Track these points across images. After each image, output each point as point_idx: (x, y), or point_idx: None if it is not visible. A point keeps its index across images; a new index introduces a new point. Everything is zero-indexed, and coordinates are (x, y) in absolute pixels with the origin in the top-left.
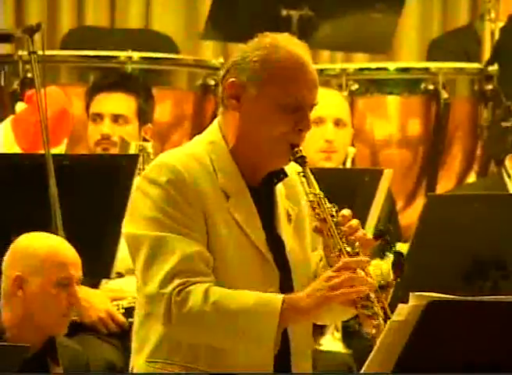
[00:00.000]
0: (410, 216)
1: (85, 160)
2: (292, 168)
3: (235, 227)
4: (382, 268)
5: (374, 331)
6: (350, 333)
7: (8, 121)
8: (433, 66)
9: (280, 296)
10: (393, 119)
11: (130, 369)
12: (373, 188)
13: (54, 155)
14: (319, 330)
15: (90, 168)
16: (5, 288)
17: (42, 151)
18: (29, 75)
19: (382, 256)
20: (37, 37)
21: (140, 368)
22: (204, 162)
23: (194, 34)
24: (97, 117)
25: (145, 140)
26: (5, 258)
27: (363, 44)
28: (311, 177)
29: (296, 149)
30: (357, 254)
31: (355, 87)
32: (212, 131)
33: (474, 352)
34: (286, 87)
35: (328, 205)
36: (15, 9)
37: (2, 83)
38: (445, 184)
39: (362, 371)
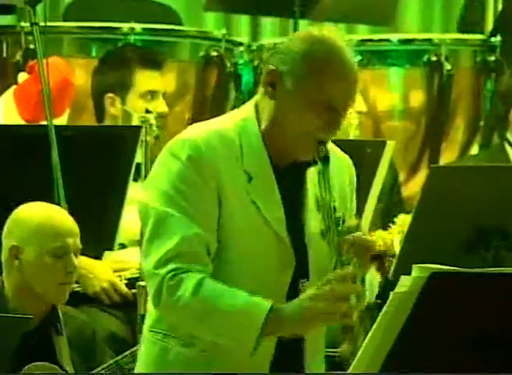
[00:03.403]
0: (412, 188)
1: (87, 131)
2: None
3: (252, 209)
4: (385, 239)
5: (347, 353)
6: None
7: (10, 92)
8: (436, 37)
9: (269, 304)
10: (396, 91)
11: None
12: (376, 160)
13: (56, 126)
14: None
15: (93, 139)
16: (4, 258)
17: (44, 122)
18: (31, 46)
19: (385, 228)
20: (39, 8)
21: (145, 335)
22: (229, 140)
23: (197, 5)
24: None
25: (148, 111)
26: (4, 228)
27: (366, 16)
28: (328, 180)
29: (321, 147)
30: (348, 264)
31: (358, 58)
32: (248, 109)
33: (476, 324)
34: (321, 84)
35: (338, 214)
36: None
37: (5, 55)
38: (448, 156)
39: (366, 341)
